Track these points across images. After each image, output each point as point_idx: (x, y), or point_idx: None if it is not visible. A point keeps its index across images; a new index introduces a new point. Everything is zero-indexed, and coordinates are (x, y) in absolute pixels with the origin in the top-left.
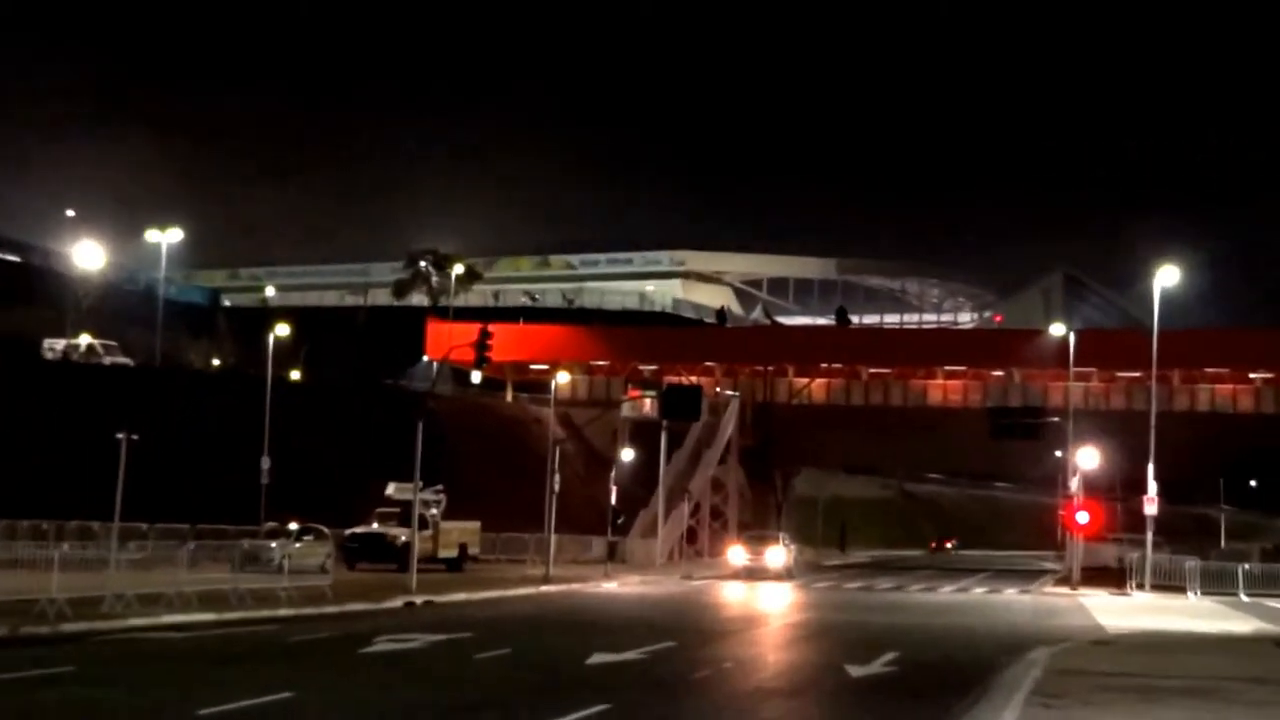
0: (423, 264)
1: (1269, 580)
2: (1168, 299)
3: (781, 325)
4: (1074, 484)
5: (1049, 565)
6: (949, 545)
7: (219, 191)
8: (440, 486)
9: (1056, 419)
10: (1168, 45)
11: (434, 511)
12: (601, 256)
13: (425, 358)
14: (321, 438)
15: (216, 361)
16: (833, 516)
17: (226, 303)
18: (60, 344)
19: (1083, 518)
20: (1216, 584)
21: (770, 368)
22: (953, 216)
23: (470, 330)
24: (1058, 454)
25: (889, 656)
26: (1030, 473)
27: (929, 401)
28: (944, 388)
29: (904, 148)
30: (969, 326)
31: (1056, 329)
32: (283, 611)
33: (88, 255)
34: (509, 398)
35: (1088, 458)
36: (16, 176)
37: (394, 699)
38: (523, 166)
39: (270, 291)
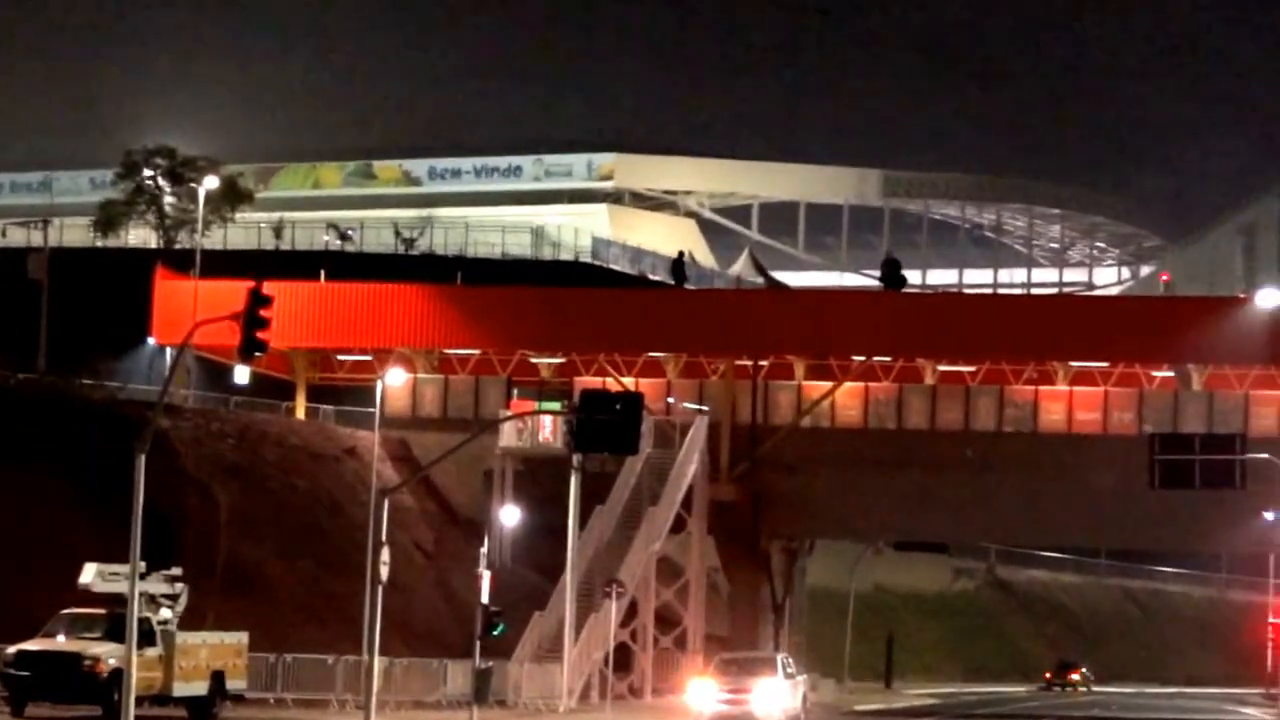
0: (149, 174)
1: None
2: None
3: (785, 286)
4: None
5: (1251, 713)
6: (1076, 676)
7: None
8: (177, 570)
9: (1268, 456)
10: None
11: (167, 614)
12: (467, 162)
13: (152, 340)
14: None
15: None
16: (872, 624)
17: None
18: None
19: None
20: None
21: (765, 363)
22: (1084, 108)
23: (233, 292)
24: (1269, 517)
25: None
26: (1220, 549)
27: (1042, 425)
28: (1069, 400)
29: None
30: (1114, 292)
31: (1266, 297)
32: None
33: None
34: (301, 413)
35: None
36: None
37: None
38: (329, 34)
39: None
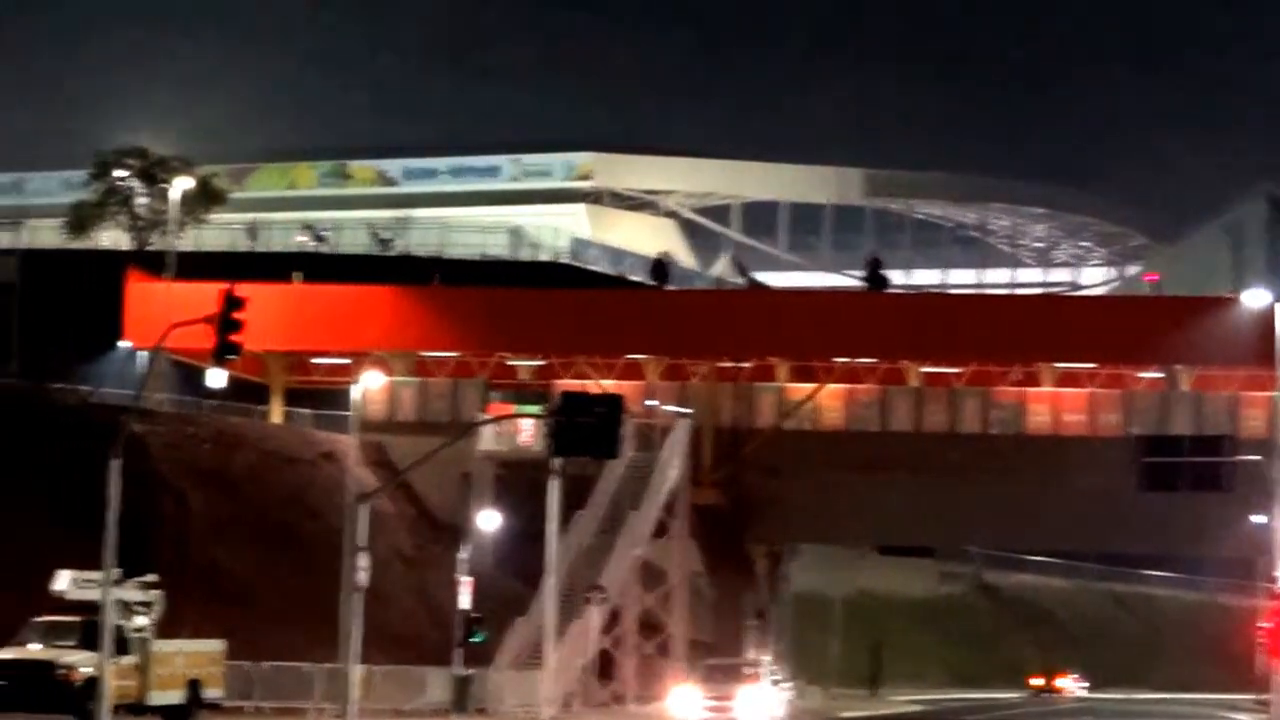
0: (120, 174)
1: None
2: None
3: (766, 287)
4: None
5: (1241, 718)
6: (1063, 682)
7: None
8: (153, 577)
9: (1258, 458)
10: None
11: (142, 621)
12: (442, 162)
13: (125, 343)
14: None
15: None
16: (858, 629)
17: None
18: None
19: None
20: None
21: (747, 364)
22: (1071, 106)
23: (206, 295)
24: (1257, 520)
25: None
26: (1208, 552)
27: (1028, 427)
28: (1054, 401)
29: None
30: (1100, 291)
31: (1255, 297)
32: None
33: None
34: (277, 416)
35: None
36: None
37: None
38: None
39: None
